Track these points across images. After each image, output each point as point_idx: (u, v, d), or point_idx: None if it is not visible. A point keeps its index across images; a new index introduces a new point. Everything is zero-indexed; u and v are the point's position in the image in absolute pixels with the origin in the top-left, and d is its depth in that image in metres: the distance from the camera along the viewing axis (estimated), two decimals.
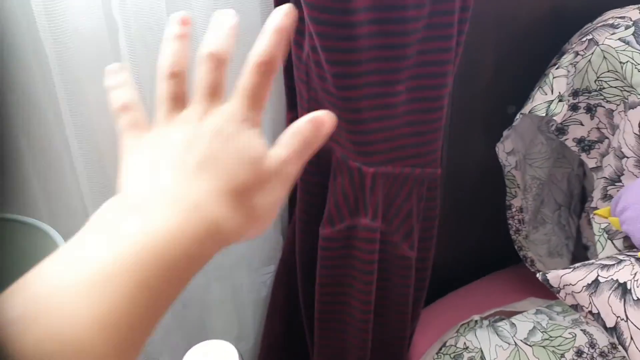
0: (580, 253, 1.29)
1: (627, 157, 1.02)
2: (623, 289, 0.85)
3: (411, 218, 1.04)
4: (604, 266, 0.91)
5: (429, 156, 0.98)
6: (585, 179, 1.31)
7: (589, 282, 0.90)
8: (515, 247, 1.26)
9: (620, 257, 0.91)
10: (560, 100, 1.05)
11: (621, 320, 0.84)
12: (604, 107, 1.04)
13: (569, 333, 1.09)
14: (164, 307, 0.30)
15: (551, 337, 1.10)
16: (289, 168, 0.39)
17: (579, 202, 1.33)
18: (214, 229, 0.33)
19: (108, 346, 0.26)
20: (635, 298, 0.83)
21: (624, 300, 0.84)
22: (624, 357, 1.02)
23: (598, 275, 0.89)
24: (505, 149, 1.18)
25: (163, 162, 0.36)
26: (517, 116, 1.11)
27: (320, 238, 1.02)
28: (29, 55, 0.74)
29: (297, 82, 0.95)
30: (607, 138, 1.06)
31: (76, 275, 0.27)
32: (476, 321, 1.18)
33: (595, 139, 1.08)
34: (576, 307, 0.93)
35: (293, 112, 1.01)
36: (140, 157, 0.38)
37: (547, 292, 1.12)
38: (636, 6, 1.05)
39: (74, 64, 0.75)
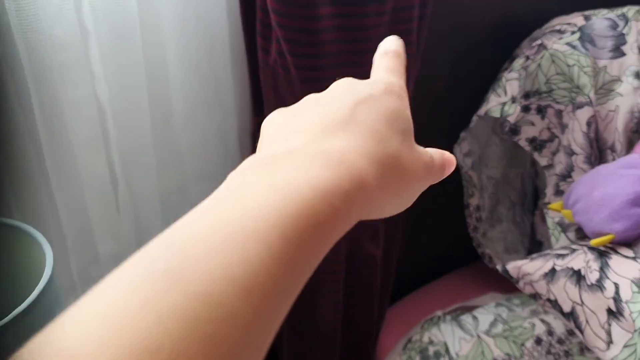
0: (535, 249, 1.35)
1: (577, 154, 1.08)
2: (578, 276, 0.91)
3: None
4: (559, 255, 0.96)
5: None
6: (537, 178, 1.37)
7: (546, 271, 0.95)
8: (474, 244, 1.31)
9: (574, 246, 0.97)
10: (513, 102, 1.10)
11: (577, 305, 0.89)
12: (554, 107, 1.10)
13: (528, 323, 1.14)
14: (307, 271, 0.28)
15: (511, 327, 1.14)
16: (432, 173, 0.37)
17: (532, 200, 1.39)
18: (359, 183, 0.30)
19: (248, 309, 0.24)
20: (589, 283, 0.89)
21: (579, 286, 0.90)
22: (580, 342, 1.07)
23: (554, 264, 0.94)
24: (462, 150, 1.23)
25: (301, 120, 0.34)
26: (473, 118, 1.16)
27: None
28: None
29: (264, 87, 0.97)
30: (557, 137, 1.12)
31: (214, 231, 0.25)
32: (439, 316, 1.22)
33: (546, 139, 1.13)
34: (534, 296, 0.98)
35: (259, 117, 1.03)
36: (281, 119, 0.36)
37: (506, 286, 1.17)
38: (580, 13, 1.12)
39: (46, 68, 0.76)
